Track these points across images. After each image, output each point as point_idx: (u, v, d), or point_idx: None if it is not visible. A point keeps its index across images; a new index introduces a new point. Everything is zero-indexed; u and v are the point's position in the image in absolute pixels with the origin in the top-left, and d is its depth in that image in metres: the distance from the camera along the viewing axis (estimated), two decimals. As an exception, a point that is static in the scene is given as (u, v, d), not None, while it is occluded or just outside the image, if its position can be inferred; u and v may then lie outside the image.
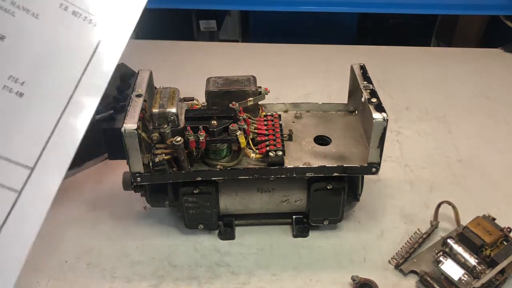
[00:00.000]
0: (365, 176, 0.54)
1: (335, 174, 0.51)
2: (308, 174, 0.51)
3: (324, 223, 0.56)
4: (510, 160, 0.69)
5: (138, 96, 0.51)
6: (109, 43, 0.40)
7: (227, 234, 0.57)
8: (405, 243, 0.55)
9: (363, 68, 0.57)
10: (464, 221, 0.54)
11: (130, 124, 0.46)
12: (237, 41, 1.57)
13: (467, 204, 0.58)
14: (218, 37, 1.53)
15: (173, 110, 0.50)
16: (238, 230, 0.58)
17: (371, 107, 0.49)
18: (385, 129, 0.48)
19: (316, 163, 0.51)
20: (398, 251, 0.54)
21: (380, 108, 0.49)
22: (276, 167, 0.50)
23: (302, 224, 0.57)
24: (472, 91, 0.86)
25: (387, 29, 1.37)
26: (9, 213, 0.36)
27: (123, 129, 0.46)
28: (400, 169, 0.68)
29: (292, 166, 0.51)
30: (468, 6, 1.04)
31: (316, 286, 0.52)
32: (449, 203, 0.57)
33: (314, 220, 0.56)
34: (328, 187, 0.52)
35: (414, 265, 0.53)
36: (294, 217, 0.58)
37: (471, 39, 1.28)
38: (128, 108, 0.49)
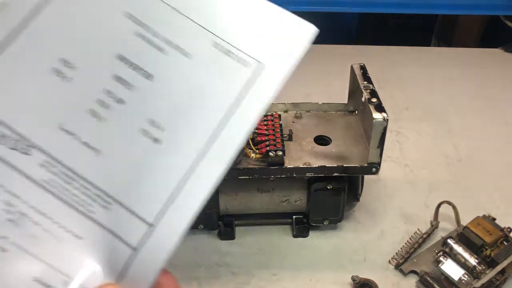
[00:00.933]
0: (365, 176, 0.54)
1: (335, 174, 0.51)
2: (308, 174, 0.51)
3: (324, 223, 0.56)
4: (510, 160, 0.69)
5: None
6: (260, 90, 0.36)
7: (227, 234, 0.57)
8: (405, 243, 0.55)
9: (363, 68, 0.57)
10: (464, 221, 0.54)
11: None
12: (237, 41, 1.57)
13: (467, 204, 0.58)
14: (218, 37, 1.52)
15: None
16: (238, 230, 0.58)
17: (371, 107, 0.49)
18: (385, 129, 0.48)
19: (316, 163, 0.51)
20: (398, 251, 0.54)
21: (380, 108, 0.49)
22: (276, 167, 0.50)
23: (302, 224, 0.57)
24: (472, 91, 0.86)
25: (387, 29, 1.37)
26: (123, 269, 0.34)
27: None
28: (400, 169, 0.68)
29: (292, 166, 0.50)
30: (468, 6, 1.03)
31: (316, 286, 0.52)
32: (449, 203, 0.57)
33: (314, 220, 0.56)
34: (328, 187, 0.52)
35: (414, 265, 0.53)
36: (294, 217, 0.57)
37: (471, 39, 1.28)
38: None
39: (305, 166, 0.51)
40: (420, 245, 0.55)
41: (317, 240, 0.57)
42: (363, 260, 0.54)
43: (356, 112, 0.59)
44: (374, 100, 0.51)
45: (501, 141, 0.73)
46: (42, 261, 0.33)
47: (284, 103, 0.59)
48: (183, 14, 0.37)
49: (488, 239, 0.50)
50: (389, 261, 0.54)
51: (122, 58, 0.35)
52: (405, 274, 0.52)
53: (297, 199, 0.55)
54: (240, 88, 0.36)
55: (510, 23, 0.99)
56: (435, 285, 0.50)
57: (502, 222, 0.53)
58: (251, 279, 0.52)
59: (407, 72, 0.92)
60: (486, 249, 0.50)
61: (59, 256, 0.33)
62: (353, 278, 0.50)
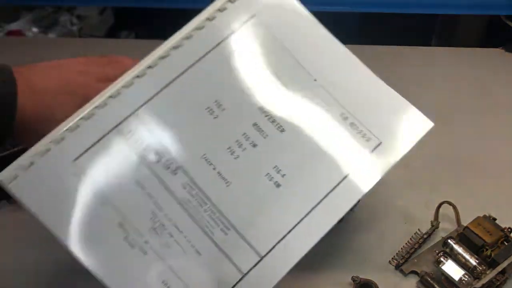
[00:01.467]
0: (366, 176, 0.54)
1: None
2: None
3: (324, 223, 0.56)
4: (511, 160, 0.69)
5: None
6: (376, 164, 0.41)
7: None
8: (406, 244, 0.55)
9: None
10: (465, 221, 0.54)
11: None
12: (237, 41, 1.57)
13: (468, 204, 0.58)
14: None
15: None
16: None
17: None
18: None
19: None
20: (399, 251, 0.54)
21: None
22: None
23: (302, 224, 0.57)
24: (473, 90, 0.86)
25: (387, 29, 1.36)
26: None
27: None
28: (400, 169, 0.67)
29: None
30: (468, 6, 1.03)
31: (316, 286, 0.52)
32: (449, 203, 0.57)
33: (314, 220, 0.56)
34: (328, 187, 0.52)
35: (414, 266, 0.53)
36: (294, 217, 0.58)
37: (471, 39, 1.27)
38: None
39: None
40: (420, 246, 0.55)
41: (317, 240, 0.57)
42: (363, 260, 0.54)
43: None
44: None
45: (501, 141, 0.73)
46: (169, 267, 0.38)
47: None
48: (323, 87, 0.42)
49: (488, 239, 0.50)
50: (390, 261, 0.54)
51: (263, 111, 0.41)
52: (405, 274, 0.52)
53: (297, 199, 0.55)
54: (359, 158, 0.41)
55: (510, 23, 0.99)
56: (436, 286, 0.50)
57: (503, 222, 0.53)
58: (251, 280, 0.52)
59: (407, 72, 0.92)
60: (487, 250, 0.50)
61: (182, 266, 0.38)
62: (353, 279, 0.50)
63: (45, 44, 1.07)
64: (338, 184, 0.40)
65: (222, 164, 0.40)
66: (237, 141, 0.40)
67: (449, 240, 0.51)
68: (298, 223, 0.39)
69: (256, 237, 0.39)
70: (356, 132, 0.41)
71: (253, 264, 0.39)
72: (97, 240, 0.38)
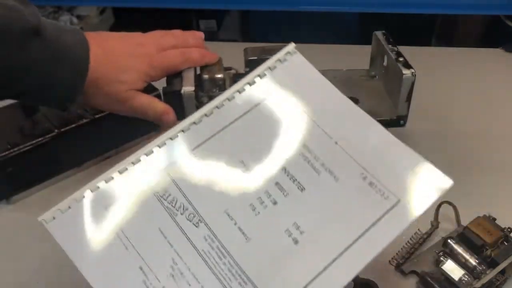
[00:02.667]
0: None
1: None
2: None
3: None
4: (511, 160, 0.69)
5: None
6: (392, 222, 0.40)
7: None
8: (406, 244, 0.55)
9: (385, 34, 0.65)
10: (465, 221, 0.54)
11: (188, 87, 0.53)
12: (237, 41, 1.57)
13: (468, 204, 0.58)
14: (218, 37, 1.53)
15: (221, 75, 0.55)
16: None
17: (400, 65, 0.58)
18: (413, 83, 0.57)
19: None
20: (399, 251, 0.54)
21: (407, 65, 0.58)
22: None
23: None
24: (473, 90, 0.86)
25: (387, 29, 1.36)
26: None
27: (182, 91, 0.52)
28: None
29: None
30: (468, 6, 1.03)
31: (316, 287, 0.51)
32: (449, 203, 0.57)
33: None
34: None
35: (414, 266, 0.53)
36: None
37: (471, 39, 1.28)
38: (183, 73, 0.54)
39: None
40: (420, 246, 0.55)
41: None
42: (363, 260, 0.54)
43: (377, 77, 0.65)
44: (401, 59, 0.58)
45: (501, 140, 0.73)
46: None
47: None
48: (343, 149, 0.43)
49: (488, 239, 0.50)
50: (390, 261, 0.54)
51: (286, 171, 0.43)
52: (405, 274, 0.52)
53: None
54: (377, 216, 0.41)
55: (510, 23, 0.99)
56: (436, 286, 0.50)
57: (503, 222, 0.53)
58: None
59: (407, 72, 0.92)
60: (487, 249, 0.50)
61: None
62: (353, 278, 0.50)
63: (45, 44, 1.07)
64: (354, 242, 0.40)
65: (243, 220, 0.41)
66: (259, 198, 0.42)
67: (449, 240, 0.51)
68: (314, 279, 0.39)
69: None
70: (376, 191, 0.41)
71: None
72: (118, 281, 0.40)
